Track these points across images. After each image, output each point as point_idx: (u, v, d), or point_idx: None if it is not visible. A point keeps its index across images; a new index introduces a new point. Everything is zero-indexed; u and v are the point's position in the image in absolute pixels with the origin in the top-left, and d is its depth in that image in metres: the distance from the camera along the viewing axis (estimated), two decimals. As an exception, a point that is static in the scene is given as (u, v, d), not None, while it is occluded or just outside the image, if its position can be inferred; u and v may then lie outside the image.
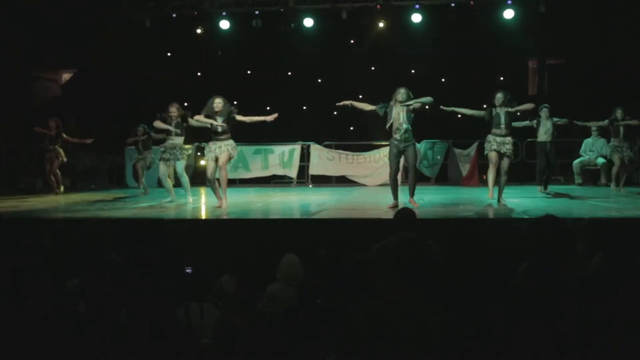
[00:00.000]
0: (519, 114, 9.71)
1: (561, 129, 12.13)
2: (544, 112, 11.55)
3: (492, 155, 9.52)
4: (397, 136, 9.10)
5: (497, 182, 9.64)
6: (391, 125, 9.13)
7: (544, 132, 11.51)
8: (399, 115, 9.06)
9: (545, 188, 11.69)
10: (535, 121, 11.52)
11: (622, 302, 3.28)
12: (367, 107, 9.38)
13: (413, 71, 16.09)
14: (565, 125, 11.76)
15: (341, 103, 9.61)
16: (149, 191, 12.70)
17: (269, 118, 9.75)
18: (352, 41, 16.45)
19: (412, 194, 9.22)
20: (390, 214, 7.12)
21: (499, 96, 9.44)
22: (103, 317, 3.71)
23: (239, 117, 9.67)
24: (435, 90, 15.58)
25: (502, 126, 9.38)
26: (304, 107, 16.91)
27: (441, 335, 2.90)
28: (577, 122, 12.54)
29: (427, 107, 9.17)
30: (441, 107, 9.63)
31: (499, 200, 9.46)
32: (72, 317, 3.69)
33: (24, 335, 3.52)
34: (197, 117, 9.73)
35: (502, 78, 15.66)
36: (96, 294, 3.86)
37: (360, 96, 16.09)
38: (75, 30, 16.08)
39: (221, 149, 9.39)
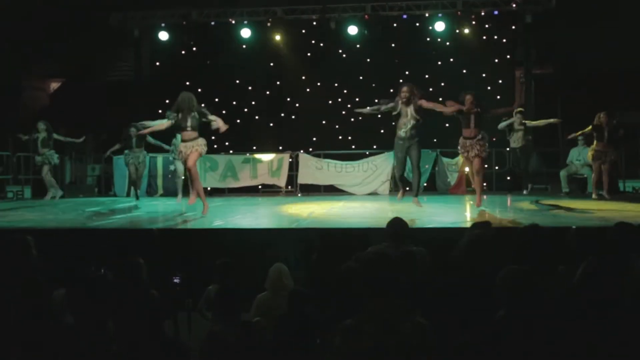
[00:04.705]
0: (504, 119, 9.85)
1: (547, 138, 12.22)
2: (517, 118, 11.53)
3: (465, 164, 9.74)
4: (401, 133, 9.21)
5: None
6: (397, 120, 9.21)
7: (515, 139, 11.52)
8: (406, 112, 9.14)
9: (510, 191, 11.63)
10: (508, 124, 11.52)
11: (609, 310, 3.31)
12: (374, 110, 9.47)
13: (401, 81, 16.13)
14: (539, 126, 11.65)
15: (358, 110, 9.78)
16: (138, 199, 12.63)
17: (222, 128, 9.45)
18: (340, 50, 16.52)
19: (416, 194, 9.39)
20: (381, 223, 7.11)
21: (468, 98, 9.54)
22: (90, 328, 3.69)
23: (211, 117, 9.34)
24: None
25: (472, 126, 9.51)
26: (293, 117, 16.92)
27: (421, 342, 2.92)
28: (570, 137, 12.53)
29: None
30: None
31: (477, 205, 9.57)
32: (59, 329, 3.67)
33: (9, 346, 3.50)
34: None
35: (489, 88, 15.74)
36: (84, 305, 3.84)
37: (349, 105, 16.17)
38: (63, 40, 16.06)
39: (187, 150, 9.16)
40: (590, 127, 11.77)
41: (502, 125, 11.34)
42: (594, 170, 11.81)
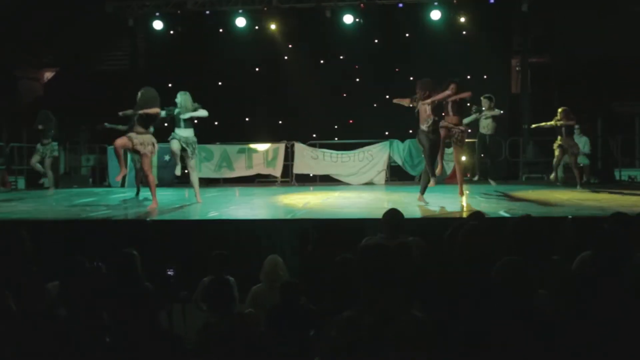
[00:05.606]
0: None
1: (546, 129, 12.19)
2: (485, 103, 11.32)
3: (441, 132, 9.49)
4: (424, 127, 9.21)
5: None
6: (418, 115, 9.21)
7: (485, 125, 11.33)
8: (425, 108, 9.15)
9: (493, 180, 11.48)
10: (477, 113, 11.37)
11: (605, 300, 3.30)
12: (407, 102, 9.41)
13: (397, 70, 16.10)
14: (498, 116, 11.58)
15: (396, 100, 9.58)
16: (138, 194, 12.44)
17: None
18: (335, 39, 16.44)
19: (422, 191, 9.36)
20: (376, 214, 7.09)
21: (452, 87, 9.45)
22: (84, 321, 3.67)
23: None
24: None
25: (451, 113, 9.48)
26: (288, 107, 16.84)
27: (418, 335, 2.90)
28: (532, 126, 12.46)
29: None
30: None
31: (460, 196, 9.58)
32: (52, 321, 3.65)
33: (3, 339, 3.48)
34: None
35: (485, 76, 15.72)
36: (77, 298, 3.82)
37: (344, 94, 16.17)
38: (57, 29, 15.96)
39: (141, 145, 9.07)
40: (552, 122, 11.73)
41: (468, 119, 11.05)
42: (555, 157, 11.84)
